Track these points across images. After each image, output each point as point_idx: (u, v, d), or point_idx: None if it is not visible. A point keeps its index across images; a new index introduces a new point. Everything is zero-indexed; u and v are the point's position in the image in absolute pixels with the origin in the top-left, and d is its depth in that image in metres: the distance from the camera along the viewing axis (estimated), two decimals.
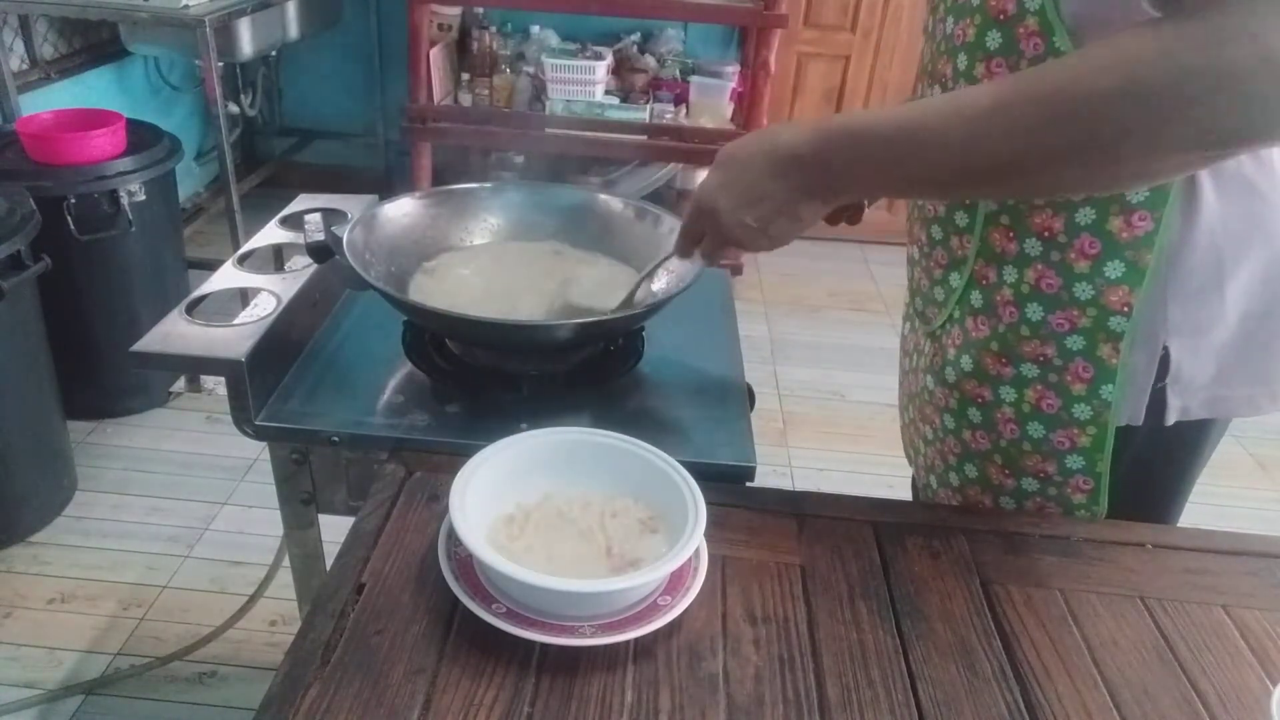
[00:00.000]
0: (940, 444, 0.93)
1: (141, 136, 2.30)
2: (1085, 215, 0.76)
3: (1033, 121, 0.63)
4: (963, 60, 0.78)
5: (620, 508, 0.77)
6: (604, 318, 0.95)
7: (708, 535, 0.73)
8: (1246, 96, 0.56)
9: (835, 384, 2.84)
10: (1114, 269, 0.76)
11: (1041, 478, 0.86)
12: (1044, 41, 0.72)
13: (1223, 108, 0.57)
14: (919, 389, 0.96)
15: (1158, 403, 0.81)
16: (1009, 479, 0.88)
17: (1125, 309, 0.77)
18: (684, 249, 0.88)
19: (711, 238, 0.82)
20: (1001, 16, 0.74)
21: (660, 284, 1.05)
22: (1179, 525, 0.91)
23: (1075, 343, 0.80)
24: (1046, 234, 0.78)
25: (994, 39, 0.75)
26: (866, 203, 1.05)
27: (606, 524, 0.75)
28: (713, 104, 3.23)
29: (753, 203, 0.76)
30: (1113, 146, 0.61)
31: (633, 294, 0.97)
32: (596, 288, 1.03)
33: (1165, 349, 0.79)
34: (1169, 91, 0.57)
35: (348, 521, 0.80)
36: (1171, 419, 0.82)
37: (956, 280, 0.87)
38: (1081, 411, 0.82)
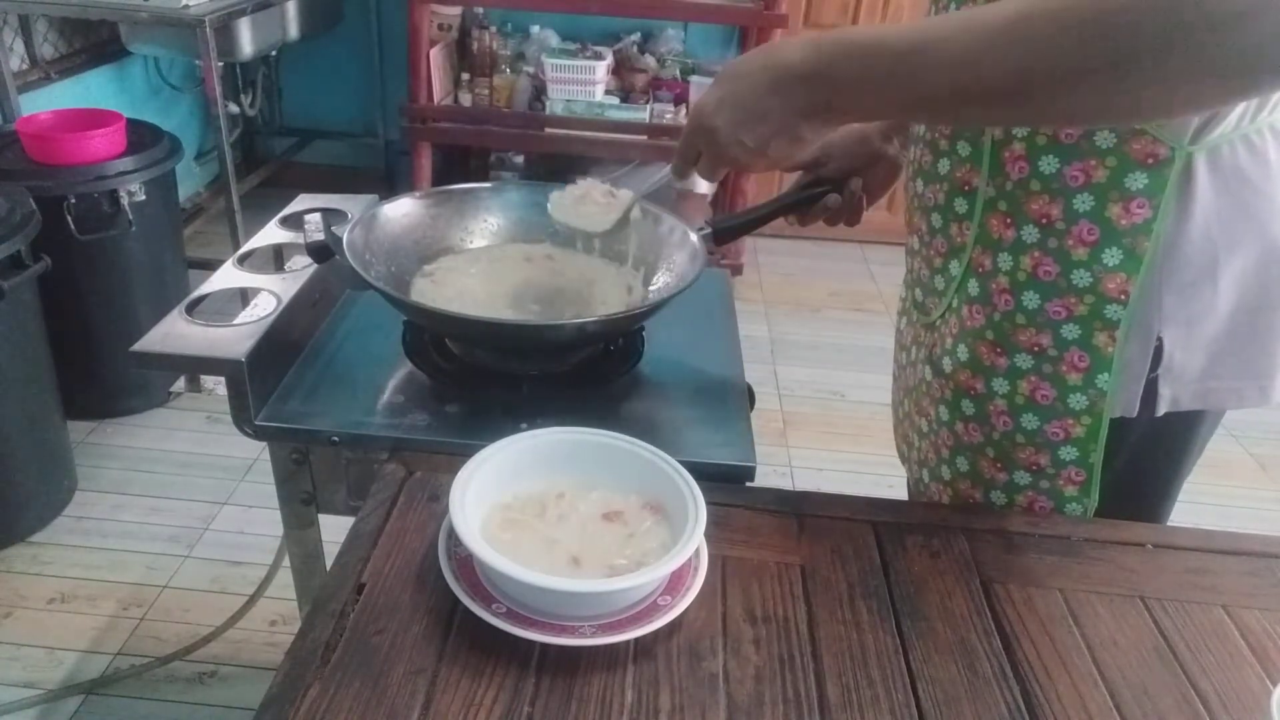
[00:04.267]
0: (934, 436, 0.93)
1: (141, 136, 2.30)
2: (1084, 201, 0.76)
3: (1052, 33, 0.59)
4: None
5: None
6: (604, 318, 0.95)
7: (708, 535, 0.73)
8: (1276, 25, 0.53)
9: (835, 384, 2.84)
10: (1112, 256, 0.76)
11: (1034, 470, 0.86)
12: None
13: (1252, 34, 0.54)
14: (916, 381, 0.96)
15: (1149, 394, 0.81)
16: (1000, 472, 0.88)
17: (1122, 297, 0.77)
18: (681, 169, 0.84)
19: (708, 157, 0.80)
20: None
21: (660, 284, 1.05)
22: (1177, 524, 0.91)
23: (1071, 331, 0.80)
24: (1044, 220, 0.78)
25: None
26: (865, 204, 1.06)
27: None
28: None
29: (752, 121, 0.74)
30: (1137, 64, 0.57)
31: (627, 212, 0.99)
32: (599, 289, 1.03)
33: (1159, 339, 0.79)
34: (1211, 4, 0.54)
35: (348, 521, 0.80)
36: (1162, 409, 0.82)
37: (956, 268, 0.86)
38: (1077, 401, 0.82)
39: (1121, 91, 0.60)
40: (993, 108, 0.67)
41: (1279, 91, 0.71)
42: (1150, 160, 0.73)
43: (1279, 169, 0.75)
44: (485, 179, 3.34)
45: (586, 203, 1.01)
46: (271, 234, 1.16)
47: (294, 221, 1.18)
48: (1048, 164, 0.77)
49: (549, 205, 1.03)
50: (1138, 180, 0.74)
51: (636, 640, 0.67)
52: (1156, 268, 0.77)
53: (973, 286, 0.85)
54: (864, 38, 0.69)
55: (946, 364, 0.89)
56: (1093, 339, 0.79)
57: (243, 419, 0.92)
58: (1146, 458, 0.86)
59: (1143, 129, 0.73)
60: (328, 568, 0.76)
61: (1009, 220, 0.81)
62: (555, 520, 0.75)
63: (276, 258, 1.15)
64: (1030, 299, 0.81)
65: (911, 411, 0.98)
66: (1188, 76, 0.57)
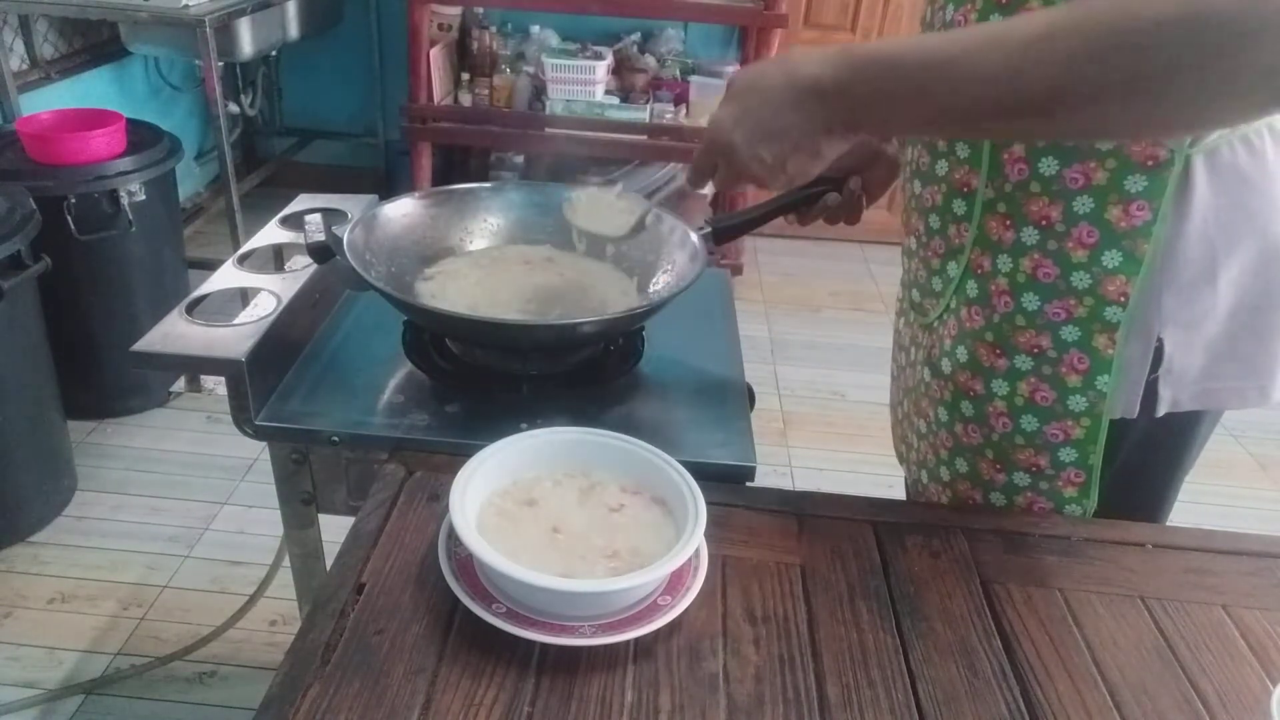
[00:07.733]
0: (933, 437, 0.93)
1: (141, 136, 2.30)
2: (1083, 204, 0.76)
3: (1080, 49, 0.58)
4: None
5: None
6: (604, 318, 0.95)
7: (708, 535, 0.73)
8: None
9: (835, 384, 2.84)
10: (1111, 258, 0.76)
11: (1033, 472, 0.86)
12: None
13: (1266, 54, 0.53)
14: (915, 382, 0.96)
15: (1149, 395, 0.81)
16: (1000, 473, 0.88)
17: (1122, 299, 0.77)
18: (697, 180, 0.83)
19: (726, 172, 0.78)
20: (1003, 1, 0.74)
21: (660, 284, 1.05)
22: (1177, 524, 0.91)
23: (1070, 333, 0.80)
24: (1044, 222, 0.78)
25: None
26: (865, 203, 1.06)
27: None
28: (713, 104, 3.22)
29: (772, 138, 0.73)
30: (1164, 82, 0.57)
31: (643, 218, 0.97)
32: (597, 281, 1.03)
33: (1159, 340, 0.79)
34: (1233, 23, 0.54)
35: (348, 521, 0.80)
36: (1162, 410, 0.82)
37: (954, 270, 0.87)
38: (1077, 403, 0.82)
39: (1147, 108, 0.59)
40: (1019, 121, 0.66)
41: None
42: (1150, 162, 0.73)
43: (1277, 168, 0.75)
44: (485, 179, 3.33)
45: (601, 207, 1.00)
46: (271, 234, 1.16)
47: (294, 221, 1.18)
48: (1048, 166, 0.77)
49: (564, 209, 1.01)
50: (1137, 183, 0.74)
51: (636, 640, 0.67)
52: (1156, 269, 0.77)
53: (971, 288, 0.85)
54: (887, 52, 0.68)
55: (945, 365, 0.89)
56: (1092, 341, 0.80)
57: (243, 419, 0.92)
58: (1146, 457, 0.86)
59: None
60: (328, 568, 0.76)
61: (1008, 222, 0.80)
62: (554, 518, 0.75)
63: (276, 258, 1.15)
64: (1030, 300, 0.81)
65: (910, 412, 0.98)
66: (1209, 94, 0.57)
